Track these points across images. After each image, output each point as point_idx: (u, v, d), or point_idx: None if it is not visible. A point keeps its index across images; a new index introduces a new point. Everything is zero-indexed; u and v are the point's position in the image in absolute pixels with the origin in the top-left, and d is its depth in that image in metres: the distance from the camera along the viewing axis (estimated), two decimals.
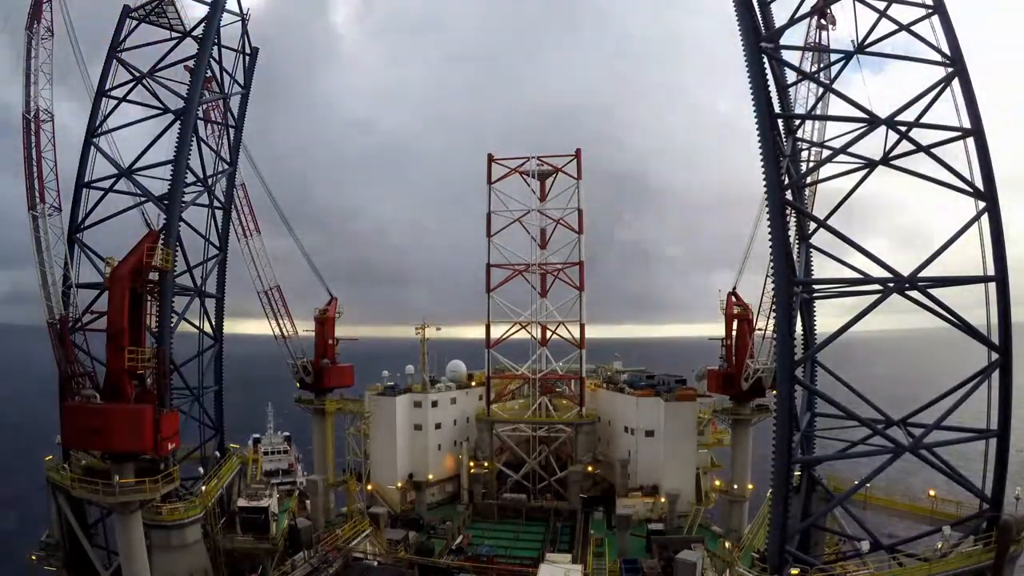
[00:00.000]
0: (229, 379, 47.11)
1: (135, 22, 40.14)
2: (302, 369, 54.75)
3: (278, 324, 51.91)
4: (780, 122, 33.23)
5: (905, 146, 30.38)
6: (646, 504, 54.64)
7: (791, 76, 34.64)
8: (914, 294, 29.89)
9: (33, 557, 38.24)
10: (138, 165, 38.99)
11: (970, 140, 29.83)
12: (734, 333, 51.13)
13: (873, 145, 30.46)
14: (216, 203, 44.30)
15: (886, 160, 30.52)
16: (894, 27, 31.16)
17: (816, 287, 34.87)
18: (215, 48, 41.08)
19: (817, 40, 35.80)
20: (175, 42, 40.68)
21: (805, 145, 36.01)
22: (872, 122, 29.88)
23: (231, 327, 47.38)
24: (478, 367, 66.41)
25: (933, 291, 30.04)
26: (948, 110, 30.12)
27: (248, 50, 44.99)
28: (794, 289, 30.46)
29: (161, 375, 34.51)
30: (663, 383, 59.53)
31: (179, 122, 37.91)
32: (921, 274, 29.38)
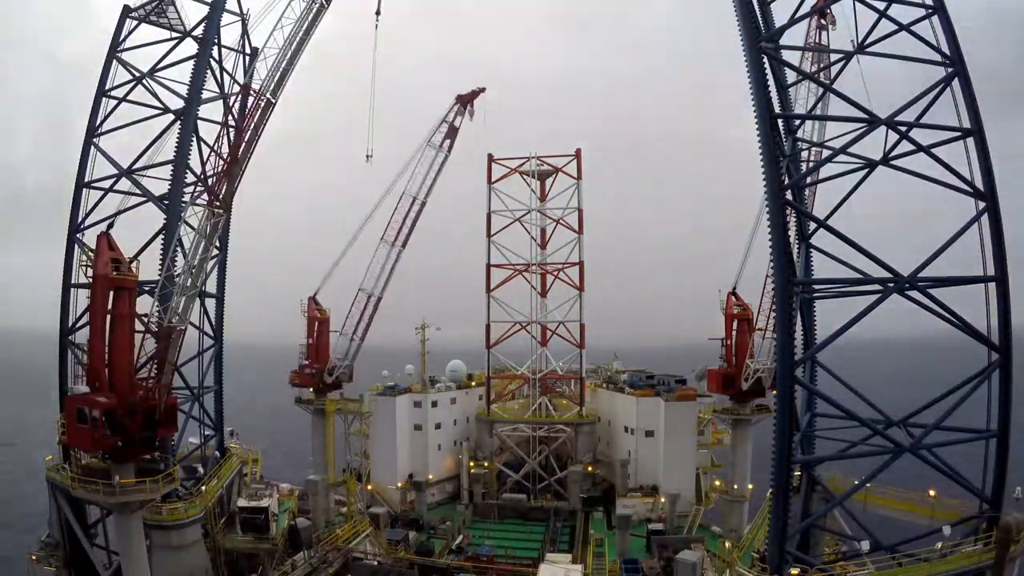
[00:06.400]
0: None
1: (135, 22, 40.16)
2: (327, 373, 54.14)
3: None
4: (780, 122, 33.21)
5: (905, 146, 30.38)
6: (646, 504, 54.60)
7: (791, 76, 34.65)
8: (915, 294, 29.87)
9: (33, 557, 38.28)
10: (138, 165, 39.03)
11: (970, 140, 29.83)
12: (734, 333, 51.16)
13: (873, 145, 30.48)
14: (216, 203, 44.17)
15: (886, 160, 30.52)
16: (894, 27, 31.16)
17: (816, 287, 34.87)
18: (215, 48, 41.07)
19: (817, 40, 35.79)
20: (175, 42, 40.69)
21: (805, 145, 36.00)
22: (872, 122, 29.88)
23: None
24: (478, 367, 66.46)
25: (933, 291, 30.01)
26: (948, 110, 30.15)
27: (248, 50, 44.98)
28: (794, 289, 30.48)
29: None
30: (663, 383, 59.46)
31: (179, 122, 37.96)
32: (921, 274, 29.39)
